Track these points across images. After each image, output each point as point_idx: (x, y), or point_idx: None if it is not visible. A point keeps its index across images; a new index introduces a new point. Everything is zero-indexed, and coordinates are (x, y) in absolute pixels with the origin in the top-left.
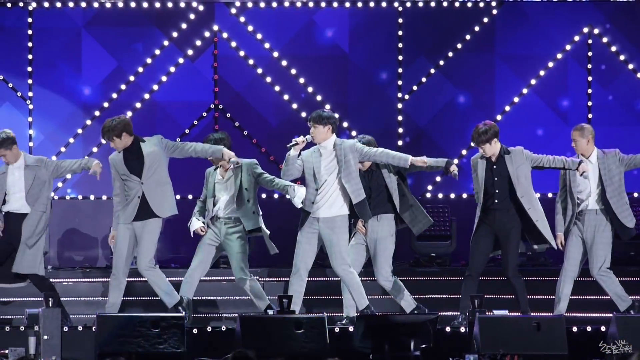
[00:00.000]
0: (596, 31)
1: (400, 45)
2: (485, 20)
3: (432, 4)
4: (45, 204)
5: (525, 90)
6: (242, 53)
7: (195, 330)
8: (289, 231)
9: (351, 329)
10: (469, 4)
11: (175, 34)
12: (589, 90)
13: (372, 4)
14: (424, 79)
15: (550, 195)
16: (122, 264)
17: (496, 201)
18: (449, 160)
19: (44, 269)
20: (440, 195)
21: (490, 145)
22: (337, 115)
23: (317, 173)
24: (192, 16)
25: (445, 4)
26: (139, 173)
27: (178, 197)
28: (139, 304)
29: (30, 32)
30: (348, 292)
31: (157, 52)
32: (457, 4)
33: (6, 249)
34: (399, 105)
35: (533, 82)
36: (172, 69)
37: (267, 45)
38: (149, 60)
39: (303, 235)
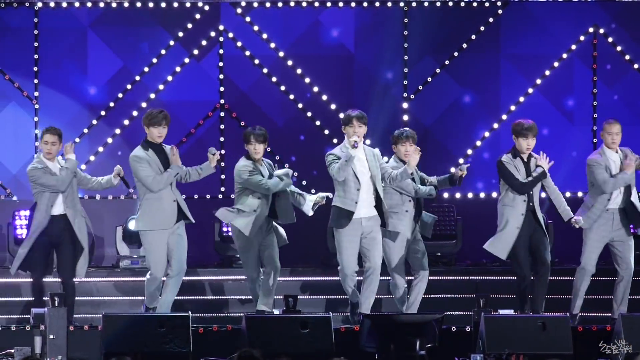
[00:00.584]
0: (601, 31)
1: (405, 45)
2: (491, 20)
3: (438, 4)
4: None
5: (530, 90)
6: (247, 53)
7: (201, 330)
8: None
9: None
10: (475, 4)
11: (180, 34)
12: (595, 90)
13: (377, 4)
14: (429, 79)
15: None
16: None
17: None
18: (453, 172)
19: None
20: (445, 195)
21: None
22: None
23: (358, 173)
24: (197, 16)
25: (450, 3)
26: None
27: (184, 196)
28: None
29: (36, 32)
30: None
31: (163, 51)
32: (462, 4)
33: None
34: (405, 105)
35: (538, 81)
36: (178, 69)
37: (272, 45)
38: (154, 60)
39: (348, 236)
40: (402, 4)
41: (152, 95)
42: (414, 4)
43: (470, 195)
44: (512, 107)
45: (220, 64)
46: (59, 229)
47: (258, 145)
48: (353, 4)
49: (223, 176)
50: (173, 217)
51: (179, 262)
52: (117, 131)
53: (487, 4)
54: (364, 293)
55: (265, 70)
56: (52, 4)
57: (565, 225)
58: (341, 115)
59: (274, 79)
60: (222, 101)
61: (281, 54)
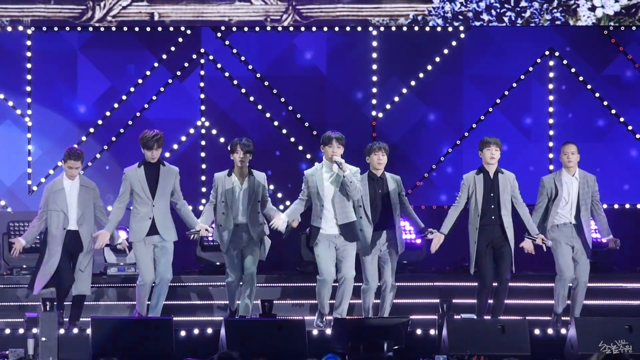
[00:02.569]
0: (557, 54)
1: (374, 66)
2: (454, 43)
3: (404, 29)
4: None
5: (491, 109)
6: (227, 74)
7: (183, 333)
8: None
9: (329, 331)
10: (439, 29)
11: (164, 56)
12: (551, 109)
13: (348, 29)
14: (396, 98)
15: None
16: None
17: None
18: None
19: None
20: (423, 207)
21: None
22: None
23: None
24: (180, 39)
25: (416, 28)
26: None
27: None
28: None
29: (29, 54)
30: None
31: (148, 72)
32: (427, 29)
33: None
34: (373, 123)
35: (498, 101)
36: (162, 89)
37: (250, 67)
38: (140, 81)
39: (322, 246)
40: (370, 29)
41: (138, 114)
42: (382, 29)
43: (434, 207)
44: (474, 125)
45: (202, 84)
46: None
47: (245, 156)
48: (325, 29)
49: (204, 189)
50: (144, 231)
51: (161, 272)
52: (105, 147)
53: (450, 29)
54: (337, 299)
55: (243, 90)
56: (44, 28)
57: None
58: (314, 133)
59: (251, 99)
60: (203, 119)
61: (258, 75)
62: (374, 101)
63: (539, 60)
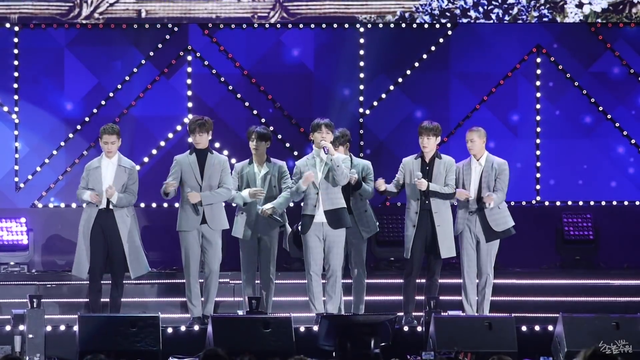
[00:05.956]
0: (544, 51)
1: (361, 63)
2: (441, 40)
3: (392, 26)
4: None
5: (478, 106)
6: (214, 71)
7: (170, 330)
8: None
9: (316, 328)
10: (426, 26)
11: (151, 53)
12: (538, 106)
13: (335, 26)
14: (383, 95)
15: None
16: None
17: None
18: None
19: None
20: (398, 204)
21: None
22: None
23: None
24: (167, 36)
25: (403, 25)
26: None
27: (154, 204)
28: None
29: (16, 51)
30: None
31: (135, 70)
32: (414, 26)
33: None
34: (361, 120)
35: (485, 98)
36: (149, 86)
37: (237, 64)
38: (127, 78)
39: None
40: (358, 26)
41: (125, 111)
42: (369, 26)
43: None
44: (461, 122)
45: (189, 81)
46: None
47: (258, 143)
48: (312, 26)
49: None
50: (195, 220)
51: (209, 264)
52: (92, 144)
53: (437, 26)
54: (326, 294)
55: (230, 87)
56: (31, 26)
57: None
58: (301, 130)
59: (238, 96)
60: (190, 116)
61: (245, 72)
62: (361, 98)
63: (526, 57)
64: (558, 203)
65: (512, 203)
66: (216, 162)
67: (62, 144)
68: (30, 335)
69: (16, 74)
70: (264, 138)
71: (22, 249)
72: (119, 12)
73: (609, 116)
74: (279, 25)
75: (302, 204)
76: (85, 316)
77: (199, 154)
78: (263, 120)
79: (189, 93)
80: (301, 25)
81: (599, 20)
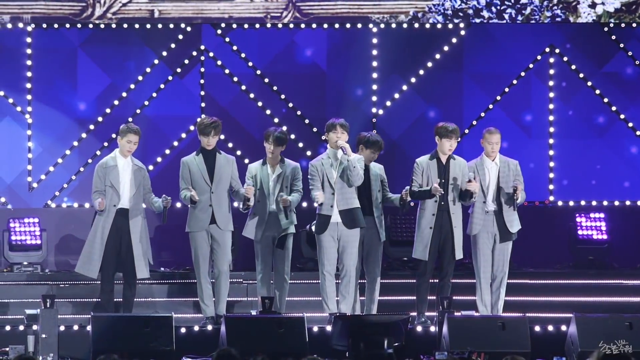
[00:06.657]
0: (557, 51)
1: (374, 63)
2: (454, 40)
3: (405, 26)
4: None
5: (491, 106)
6: (227, 71)
7: (183, 330)
8: None
9: (329, 328)
10: (439, 26)
11: (164, 53)
12: (551, 106)
13: (348, 26)
14: (396, 95)
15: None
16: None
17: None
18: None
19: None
20: (412, 204)
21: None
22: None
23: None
24: (180, 36)
25: (416, 25)
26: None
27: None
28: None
29: (29, 51)
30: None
31: (148, 70)
32: (427, 26)
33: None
34: (374, 120)
35: (498, 98)
36: (162, 86)
37: (250, 64)
38: (140, 78)
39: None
40: (371, 26)
41: (138, 111)
42: (382, 26)
43: None
44: (474, 122)
45: (202, 81)
46: None
47: (274, 147)
48: (325, 26)
49: None
50: (204, 221)
51: (218, 264)
52: (105, 144)
53: (450, 26)
54: (340, 294)
55: (243, 87)
56: (44, 25)
57: (521, 232)
58: (314, 129)
59: (251, 95)
60: (203, 116)
61: (258, 72)
62: (374, 98)
63: (539, 57)
64: (571, 203)
65: (526, 203)
66: (225, 162)
67: (75, 144)
68: (44, 335)
69: (29, 74)
70: (281, 143)
71: (35, 249)
72: (132, 12)
73: (622, 116)
74: (291, 25)
75: (315, 204)
76: (99, 316)
77: (206, 155)
78: (276, 120)
79: (202, 93)
80: (314, 25)
81: (612, 20)
